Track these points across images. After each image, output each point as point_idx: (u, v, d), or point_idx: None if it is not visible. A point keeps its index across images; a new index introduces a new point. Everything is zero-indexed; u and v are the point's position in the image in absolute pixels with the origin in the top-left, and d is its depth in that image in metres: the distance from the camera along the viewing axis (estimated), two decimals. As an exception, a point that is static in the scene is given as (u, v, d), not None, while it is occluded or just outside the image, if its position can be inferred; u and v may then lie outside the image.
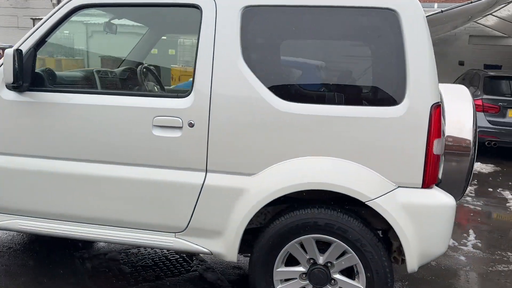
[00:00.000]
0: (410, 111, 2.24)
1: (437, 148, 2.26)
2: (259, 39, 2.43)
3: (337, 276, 2.39)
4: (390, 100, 2.28)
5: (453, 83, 6.94)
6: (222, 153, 2.40)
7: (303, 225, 2.32)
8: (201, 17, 2.46)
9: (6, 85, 2.53)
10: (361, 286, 2.34)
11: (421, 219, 2.26)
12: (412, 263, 2.27)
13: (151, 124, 2.45)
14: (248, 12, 2.42)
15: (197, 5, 2.47)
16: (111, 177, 2.52)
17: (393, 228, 2.30)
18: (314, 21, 2.39)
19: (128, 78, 3.08)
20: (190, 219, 2.47)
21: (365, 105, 2.30)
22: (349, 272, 2.43)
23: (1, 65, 2.61)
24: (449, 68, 14.02)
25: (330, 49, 2.41)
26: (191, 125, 2.41)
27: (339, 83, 2.38)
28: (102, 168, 2.54)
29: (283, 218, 2.35)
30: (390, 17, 2.30)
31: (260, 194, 2.33)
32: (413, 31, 2.27)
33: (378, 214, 2.32)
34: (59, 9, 2.60)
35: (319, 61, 2.52)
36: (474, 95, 7.93)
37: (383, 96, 2.30)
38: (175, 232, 2.54)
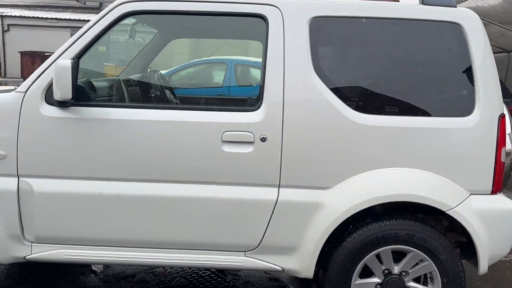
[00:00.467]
0: (481, 121, 2.33)
1: (503, 155, 2.37)
2: (329, 49, 2.39)
3: (412, 284, 2.43)
4: (462, 111, 2.34)
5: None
6: (296, 167, 2.33)
7: (383, 237, 2.32)
8: (268, 27, 2.36)
9: (56, 101, 2.27)
10: (439, 293, 2.39)
11: (491, 224, 2.35)
12: (484, 265, 2.37)
13: (220, 139, 2.31)
14: (316, 23, 2.37)
15: (263, 15, 2.37)
16: (175, 197, 2.35)
17: (454, 232, 2.39)
18: (381, 33, 2.40)
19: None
20: (263, 237, 2.37)
21: (439, 116, 2.35)
22: (416, 279, 2.48)
23: (39, 76, 2.33)
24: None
25: (400, 61, 2.43)
26: (263, 139, 2.31)
27: (413, 95, 2.41)
28: (165, 188, 2.35)
29: (362, 231, 2.34)
30: (456, 30, 2.37)
31: (341, 208, 2.29)
32: (477, 43, 2.36)
33: (441, 220, 2.40)
34: (105, 15, 2.36)
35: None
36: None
37: (456, 107, 2.37)
38: (245, 251, 2.42)
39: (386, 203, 2.32)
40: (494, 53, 2.49)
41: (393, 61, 2.43)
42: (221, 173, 2.33)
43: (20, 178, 2.35)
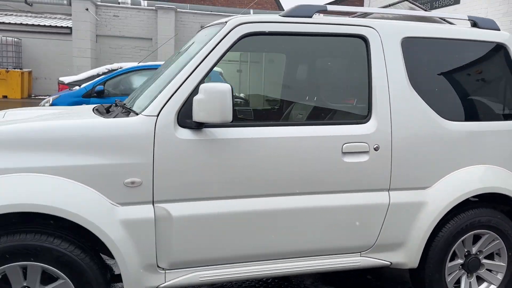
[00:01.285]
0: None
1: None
2: (419, 66, 2.73)
3: (485, 260, 2.91)
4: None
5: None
6: (403, 171, 2.64)
7: (470, 224, 2.76)
8: (368, 47, 2.62)
9: (194, 123, 2.24)
10: (504, 264, 2.91)
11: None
12: None
13: (341, 151, 2.51)
14: (406, 42, 2.71)
15: (364, 36, 2.62)
16: (302, 208, 2.48)
17: None
18: (454, 50, 2.83)
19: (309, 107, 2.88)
20: (378, 237, 2.64)
21: (507, 120, 2.85)
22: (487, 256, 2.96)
23: (169, 98, 2.27)
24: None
25: (469, 75, 2.88)
26: (376, 148, 2.57)
27: (482, 102, 2.88)
28: (292, 200, 2.46)
29: (454, 221, 2.74)
30: (503, 49, 2.91)
31: (443, 203, 2.66)
32: (518, 58, 2.94)
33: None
34: (224, 37, 2.39)
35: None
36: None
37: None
38: (361, 252, 2.65)
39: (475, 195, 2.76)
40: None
41: (465, 75, 2.88)
42: (342, 182, 2.53)
43: (155, 205, 2.26)
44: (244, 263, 2.45)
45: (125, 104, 2.79)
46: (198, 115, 2.19)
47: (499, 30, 3.00)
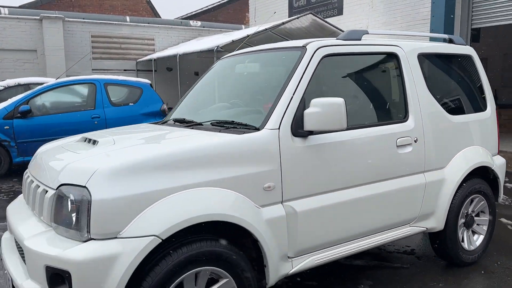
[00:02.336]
0: (491, 113, 3.95)
1: (499, 131, 4.06)
2: (430, 74, 3.55)
3: (476, 218, 3.87)
4: (483, 108, 3.92)
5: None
6: (431, 156, 3.42)
7: (470, 192, 3.67)
8: (399, 61, 3.35)
9: (306, 132, 2.68)
10: (487, 218, 3.89)
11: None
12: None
13: (395, 145, 3.19)
14: (421, 57, 3.51)
15: (395, 53, 3.34)
16: (375, 194, 3.08)
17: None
18: (447, 62, 3.73)
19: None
20: (420, 209, 3.38)
21: (480, 111, 3.84)
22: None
23: (284, 114, 2.68)
24: (189, 77, 15.81)
25: (457, 79, 3.80)
26: (416, 140, 3.31)
27: (468, 99, 3.81)
28: (369, 188, 3.05)
29: (461, 190, 3.62)
30: (470, 59, 3.92)
31: (456, 178, 3.52)
32: (480, 66, 3.98)
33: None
34: (310, 59, 2.87)
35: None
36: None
37: (483, 105, 3.91)
38: (409, 223, 3.37)
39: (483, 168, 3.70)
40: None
41: (454, 79, 3.79)
42: (397, 170, 3.21)
43: (284, 204, 2.64)
44: (341, 244, 2.97)
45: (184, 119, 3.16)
46: (311, 125, 2.65)
47: (465, 45, 3.99)
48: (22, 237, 2.31)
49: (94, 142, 2.63)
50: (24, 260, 2.42)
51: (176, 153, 2.33)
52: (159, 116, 8.75)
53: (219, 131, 2.74)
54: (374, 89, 3.33)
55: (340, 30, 10.90)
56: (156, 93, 9.04)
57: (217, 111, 3.38)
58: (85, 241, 2.11)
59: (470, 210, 3.80)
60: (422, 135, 3.35)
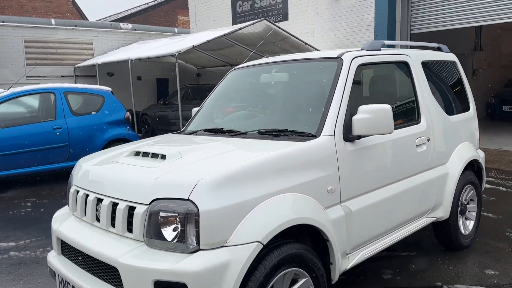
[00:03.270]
0: (473, 112, 4.47)
1: (479, 128, 4.61)
2: (430, 80, 3.96)
3: (468, 205, 4.37)
4: (466, 108, 4.43)
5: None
6: (438, 153, 3.83)
7: (465, 183, 4.15)
8: (410, 69, 3.72)
9: (355, 136, 2.92)
10: (475, 206, 4.41)
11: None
12: None
13: (415, 144, 3.54)
14: (424, 64, 3.91)
15: (406, 61, 3.71)
16: (404, 189, 3.40)
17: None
18: (440, 68, 4.17)
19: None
20: (433, 201, 3.77)
21: (463, 112, 4.34)
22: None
23: (336, 121, 2.90)
24: (129, 82, 15.38)
25: (447, 83, 4.26)
26: (428, 140, 3.69)
27: (456, 102, 4.28)
28: (400, 184, 3.36)
29: (460, 182, 4.08)
30: (454, 64, 4.42)
31: (457, 171, 3.96)
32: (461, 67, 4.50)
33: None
34: (349, 69, 3.12)
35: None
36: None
37: (466, 106, 4.42)
38: (425, 214, 3.74)
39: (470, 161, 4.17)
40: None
41: (446, 84, 4.24)
42: (416, 167, 3.56)
43: (341, 204, 2.86)
44: (381, 237, 3.25)
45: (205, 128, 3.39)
46: (360, 130, 2.89)
47: (450, 52, 4.48)
48: (110, 255, 2.29)
49: (163, 156, 2.65)
50: (103, 279, 2.40)
51: (263, 162, 2.45)
52: (123, 125, 8.53)
53: (271, 139, 2.89)
54: (395, 94, 3.66)
55: (293, 35, 11.31)
56: (116, 98, 8.77)
57: (247, 119, 3.51)
58: (192, 253, 2.16)
59: (463, 199, 4.27)
60: (432, 134, 3.74)
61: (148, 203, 2.28)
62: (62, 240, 2.82)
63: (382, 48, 3.59)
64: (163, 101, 14.19)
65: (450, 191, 3.92)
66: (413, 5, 10.75)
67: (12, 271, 4.17)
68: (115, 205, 2.46)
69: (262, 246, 2.26)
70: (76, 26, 15.35)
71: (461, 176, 4.08)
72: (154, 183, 2.32)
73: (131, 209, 2.36)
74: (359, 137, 2.97)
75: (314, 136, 2.85)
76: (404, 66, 3.71)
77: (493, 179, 7.23)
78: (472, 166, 4.42)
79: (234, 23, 15.04)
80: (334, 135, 2.86)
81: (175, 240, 2.19)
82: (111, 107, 8.47)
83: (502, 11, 9.06)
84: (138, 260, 2.19)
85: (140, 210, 2.29)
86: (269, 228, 2.29)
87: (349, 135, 2.93)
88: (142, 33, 16.82)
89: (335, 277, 2.79)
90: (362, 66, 3.24)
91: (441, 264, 3.94)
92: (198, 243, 2.16)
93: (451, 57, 4.41)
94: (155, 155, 2.72)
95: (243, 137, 3.09)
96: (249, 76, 3.84)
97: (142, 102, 15.72)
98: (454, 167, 3.99)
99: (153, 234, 2.25)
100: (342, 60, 3.17)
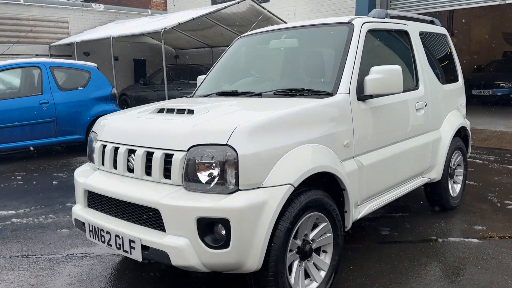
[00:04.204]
0: (461, 83, 4.77)
1: (466, 98, 4.93)
2: (426, 49, 4.21)
3: (455, 170, 4.69)
4: (455, 79, 4.73)
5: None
6: (433, 118, 4.10)
7: (455, 148, 4.45)
8: (411, 38, 3.95)
9: (366, 96, 3.12)
10: (463, 168, 4.74)
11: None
12: None
13: (415, 108, 3.79)
14: (421, 34, 4.15)
15: (407, 31, 3.93)
16: (407, 148, 3.64)
17: None
18: (435, 40, 4.43)
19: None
20: (429, 163, 4.04)
21: (454, 82, 4.63)
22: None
23: (350, 81, 3.09)
24: (107, 62, 15.13)
25: (440, 55, 4.52)
26: (426, 105, 3.95)
27: (447, 72, 4.55)
28: (402, 144, 3.60)
29: (451, 147, 4.38)
30: (443, 36, 4.70)
31: (449, 136, 4.26)
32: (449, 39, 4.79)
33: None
34: (360, 33, 3.31)
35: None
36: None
37: (454, 76, 4.72)
38: (421, 174, 4.01)
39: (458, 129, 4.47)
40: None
41: (438, 54, 4.50)
42: (416, 129, 3.82)
43: (355, 158, 3.06)
44: (385, 192, 3.49)
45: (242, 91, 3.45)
46: (372, 90, 3.09)
47: (441, 26, 4.75)
48: (151, 198, 2.42)
49: (190, 111, 2.76)
50: (139, 223, 2.53)
51: (289, 114, 2.62)
52: (110, 101, 8.49)
53: (289, 98, 3.06)
54: (398, 60, 3.88)
55: (276, 16, 11.44)
56: (101, 72, 8.70)
57: (258, 83, 3.66)
58: (230, 193, 2.32)
59: (452, 163, 4.58)
60: (429, 100, 4.00)
61: (186, 150, 2.41)
62: (88, 193, 2.92)
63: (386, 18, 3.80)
64: (143, 81, 14.08)
65: (443, 155, 4.21)
66: (393, -12, 11.07)
67: (19, 235, 4.20)
68: (149, 154, 2.58)
69: (293, 188, 2.44)
70: (51, 4, 14.93)
71: (451, 141, 4.38)
72: (191, 130, 2.45)
73: (168, 157, 2.49)
74: (371, 96, 3.18)
75: (330, 95, 3.04)
76: (404, 35, 3.94)
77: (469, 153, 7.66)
78: (460, 133, 4.73)
79: (213, 3, 15.01)
80: (349, 93, 3.05)
81: (214, 182, 2.34)
82: (98, 83, 8.41)
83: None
84: (180, 201, 2.33)
85: (178, 156, 2.42)
86: (299, 172, 2.48)
87: (361, 95, 3.13)
88: (119, 12, 16.55)
89: (349, 224, 3.01)
90: (370, 32, 3.44)
91: (433, 222, 4.25)
92: (236, 184, 2.31)
93: (442, 30, 4.67)
94: (181, 111, 2.84)
95: (260, 97, 3.25)
96: (257, 43, 3.98)
97: (119, 82, 15.53)
98: (446, 132, 4.28)
99: (192, 178, 2.39)
100: (353, 25, 3.35)
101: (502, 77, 13.52)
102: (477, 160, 7.13)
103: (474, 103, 14.04)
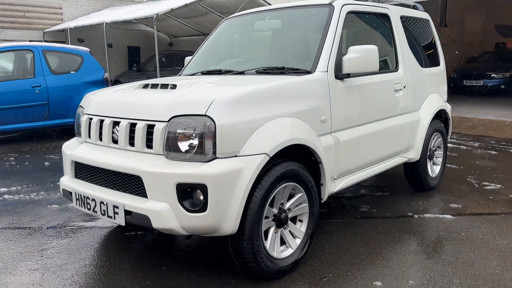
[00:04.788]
0: (443, 67, 4.92)
1: (447, 83, 5.07)
2: (407, 33, 4.34)
3: (435, 152, 4.84)
4: (436, 63, 4.87)
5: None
6: (413, 100, 4.24)
7: (434, 130, 4.60)
8: (391, 21, 4.08)
9: (344, 74, 3.25)
10: (443, 150, 4.90)
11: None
12: None
13: (393, 89, 3.93)
14: (402, 18, 4.28)
15: (387, 14, 4.06)
16: (384, 128, 3.78)
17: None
18: (416, 24, 4.55)
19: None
20: (407, 143, 4.19)
21: (436, 66, 4.77)
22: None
23: (329, 58, 3.21)
24: (100, 49, 15.22)
25: (422, 39, 4.65)
26: (405, 86, 4.09)
27: (427, 57, 4.69)
28: (380, 123, 3.74)
29: (430, 128, 4.53)
30: (426, 21, 4.83)
31: (428, 117, 4.40)
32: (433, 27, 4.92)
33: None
34: (339, 15, 3.43)
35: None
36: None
37: (436, 61, 4.85)
38: (399, 154, 4.16)
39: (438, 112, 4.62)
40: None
41: (420, 38, 4.63)
42: (394, 110, 3.96)
43: (332, 134, 3.20)
44: (363, 169, 3.64)
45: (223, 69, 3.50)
46: (349, 69, 3.22)
47: (424, 11, 4.87)
48: (133, 166, 2.55)
49: (173, 86, 2.89)
50: (123, 190, 2.67)
51: (267, 88, 2.75)
52: (101, 85, 8.57)
53: (274, 75, 3.19)
54: (378, 42, 4.01)
55: (268, 3, 11.50)
56: (93, 57, 8.78)
57: (243, 63, 3.78)
58: (208, 161, 2.45)
59: (432, 145, 4.74)
60: (408, 82, 4.14)
61: (167, 120, 2.54)
62: (76, 164, 3.05)
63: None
64: (136, 68, 14.14)
65: (421, 136, 4.36)
66: (384, -22, 11.13)
67: (10, 209, 4.33)
68: (133, 125, 2.70)
69: (269, 158, 2.58)
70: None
71: (430, 123, 4.52)
72: (172, 102, 2.57)
73: (150, 127, 2.62)
74: (348, 75, 3.31)
75: (309, 72, 3.17)
76: (385, 18, 4.06)
77: (455, 140, 7.82)
78: (440, 117, 4.88)
79: (208, -9, 15.02)
80: (327, 71, 3.18)
81: (193, 151, 2.48)
82: (90, 67, 8.49)
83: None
84: (160, 168, 2.47)
85: (160, 127, 2.55)
86: (274, 143, 2.61)
87: (339, 73, 3.26)
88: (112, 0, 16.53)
89: (325, 197, 3.16)
90: (350, 13, 3.56)
91: (411, 200, 4.41)
92: (214, 152, 2.45)
93: (425, 15, 4.80)
94: (164, 86, 2.96)
95: (243, 75, 3.37)
96: (243, 24, 4.09)
97: (113, 69, 15.58)
98: (425, 114, 4.42)
99: (172, 147, 2.52)
100: (333, 6, 3.47)
101: (494, 68, 13.67)
102: (462, 146, 7.29)
103: (465, 93, 14.22)
